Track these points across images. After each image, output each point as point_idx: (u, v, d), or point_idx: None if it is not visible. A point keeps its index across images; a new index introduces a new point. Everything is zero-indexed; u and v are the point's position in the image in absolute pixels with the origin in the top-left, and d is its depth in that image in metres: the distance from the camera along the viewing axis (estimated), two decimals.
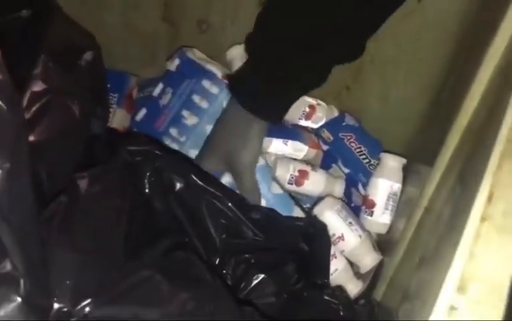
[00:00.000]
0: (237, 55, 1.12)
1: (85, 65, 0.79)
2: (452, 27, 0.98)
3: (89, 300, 0.57)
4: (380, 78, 1.16)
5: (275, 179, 1.07)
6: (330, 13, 0.88)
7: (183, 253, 0.70)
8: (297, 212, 1.03)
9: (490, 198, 0.46)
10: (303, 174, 1.09)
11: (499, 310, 0.41)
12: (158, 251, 0.69)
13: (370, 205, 1.09)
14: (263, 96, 0.96)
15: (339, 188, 1.12)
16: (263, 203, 0.99)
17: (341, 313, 0.92)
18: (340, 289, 1.00)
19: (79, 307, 0.56)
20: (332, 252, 1.02)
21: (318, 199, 1.09)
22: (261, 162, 1.03)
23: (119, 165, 0.72)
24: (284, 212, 0.98)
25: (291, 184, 1.09)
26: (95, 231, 0.62)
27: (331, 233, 1.02)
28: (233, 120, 1.00)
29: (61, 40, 0.75)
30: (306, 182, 1.09)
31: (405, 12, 1.02)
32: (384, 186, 1.08)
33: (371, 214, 1.09)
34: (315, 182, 1.10)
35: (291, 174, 1.08)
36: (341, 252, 1.05)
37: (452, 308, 0.40)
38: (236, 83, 1.01)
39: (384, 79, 1.15)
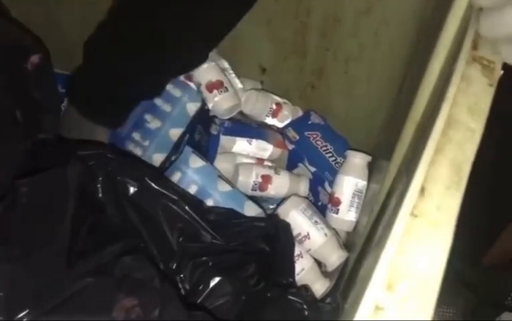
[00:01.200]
0: None
1: (30, 68, 0.78)
2: (411, 24, 0.98)
3: (26, 311, 0.55)
4: (344, 75, 1.15)
5: (238, 185, 1.06)
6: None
7: (131, 258, 0.68)
8: (250, 206, 1.01)
9: (422, 193, 0.46)
10: (266, 179, 1.08)
11: (429, 309, 0.40)
12: (106, 256, 0.67)
13: (336, 203, 1.08)
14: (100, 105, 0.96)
15: (303, 187, 1.11)
16: (211, 204, 0.98)
17: (306, 313, 0.91)
18: (305, 288, 0.99)
19: (16, 318, 0.55)
20: (298, 251, 1.01)
21: (283, 199, 1.08)
22: (203, 162, 1.02)
23: (66, 170, 0.70)
24: (236, 208, 0.97)
25: (255, 190, 1.08)
26: (34, 239, 0.61)
27: (296, 232, 1.01)
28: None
29: (3, 42, 0.73)
30: (270, 186, 1.09)
31: (364, 8, 1.02)
32: (350, 184, 1.08)
33: (337, 212, 1.08)
34: (279, 186, 1.10)
35: (254, 181, 1.08)
36: (308, 251, 1.04)
37: (378, 308, 0.39)
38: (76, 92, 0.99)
39: (348, 76, 1.15)
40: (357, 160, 1.08)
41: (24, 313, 0.55)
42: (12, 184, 0.64)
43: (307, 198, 1.12)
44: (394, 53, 1.05)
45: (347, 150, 1.11)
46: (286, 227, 0.98)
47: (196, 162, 1.01)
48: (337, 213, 1.08)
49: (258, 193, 1.09)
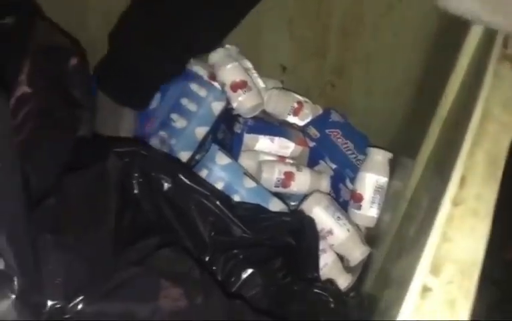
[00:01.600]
0: (219, 58, 1.14)
1: (70, 69, 0.81)
2: (431, 24, 1.00)
3: (81, 297, 0.58)
4: (364, 73, 1.18)
5: (262, 182, 1.09)
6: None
7: (171, 250, 0.71)
8: (275, 202, 1.05)
9: (462, 184, 0.48)
10: (288, 176, 1.11)
11: (471, 290, 0.43)
12: (147, 249, 0.70)
13: (358, 199, 1.10)
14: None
15: (325, 184, 1.14)
16: (238, 200, 1.01)
17: (332, 306, 0.94)
18: (330, 282, 1.02)
19: (72, 304, 0.58)
20: (322, 247, 1.04)
21: (306, 195, 1.11)
22: (229, 160, 1.05)
23: (106, 166, 0.74)
24: (261, 204, 1.00)
25: (278, 187, 1.11)
26: (83, 230, 0.64)
27: (319, 227, 1.04)
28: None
29: (46, 46, 0.77)
30: (292, 183, 1.12)
31: (385, 9, 1.05)
32: (371, 181, 1.10)
33: (359, 208, 1.10)
34: (301, 183, 1.12)
35: (277, 178, 1.10)
36: (331, 246, 1.07)
37: (426, 289, 0.42)
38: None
39: (368, 74, 1.17)
40: (379, 157, 1.11)
41: (80, 298, 0.58)
42: (59, 179, 0.67)
43: (329, 194, 1.14)
44: (414, 53, 1.07)
45: (369, 148, 1.13)
46: (311, 222, 1.01)
47: (222, 159, 1.04)
48: (359, 209, 1.10)
49: (280, 189, 1.11)
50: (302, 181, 1.13)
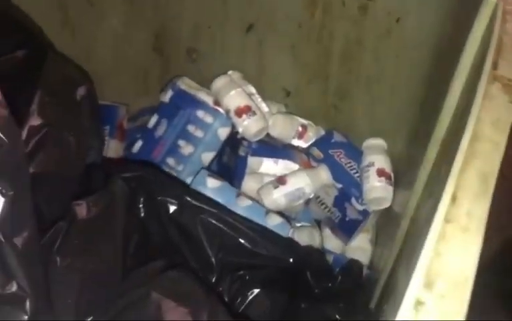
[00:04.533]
0: (223, 85, 1.17)
1: (79, 99, 0.84)
2: (430, 44, 1.02)
3: (91, 318, 0.61)
4: (366, 96, 1.20)
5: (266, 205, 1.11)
6: None
7: (177, 272, 0.73)
8: (271, 217, 1.06)
9: (454, 201, 0.50)
10: (281, 178, 1.14)
11: (464, 304, 0.44)
12: (153, 271, 0.72)
13: (388, 176, 1.13)
14: None
15: (325, 174, 1.16)
16: None
17: None
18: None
19: None
20: None
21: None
22: (219, 182, 1.07)
23: (114, 192, 0.76)
24: (258, 220, 1.01)
25: (277, 187, 1.12)
26: (92, 253, 0.66)
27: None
28: None
29: (56, 77, 0.80)
30: (287, 178, 1.14)
31: (383, 31, 1.07)
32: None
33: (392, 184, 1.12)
34: (298, 176, 1.15)
35: (273, 185, 1.13)
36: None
37: (419, 303, 0.44)
38: None
39: (370, 97, 1.19)
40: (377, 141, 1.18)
41: (89, 319, 0.60)
42: (69, 206, 0.69)
43: (333, 185, 1.16)
44: (415, 74, 1.09)
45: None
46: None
47: (213, 182, 1.07)
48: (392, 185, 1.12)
49: (281, 190, 1.12)
50: (298, 174, 1.15)
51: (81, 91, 0.86)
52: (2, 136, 0.50)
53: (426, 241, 0.47)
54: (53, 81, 0.78)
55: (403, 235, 0.91)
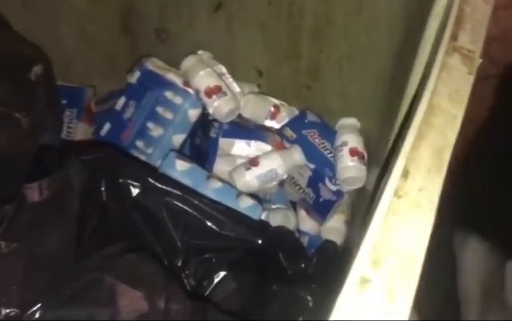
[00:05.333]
0: (192, 65, 1.14)
1: (34, 78, 0.81)
2: (400, 21, 1.01)
3: (39, 304, 0.59)
4: (338, 75, 1.18)
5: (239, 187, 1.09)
6: None
7: (136, 255, 0.71)
8: (242, 199, 1.04)
9: (406, 176, 0.49)
10: (253, 159, 1.13)
11: (413, 282, 0.43)
12: (111, 255, 0.70)
13: (361, 156, 1.12)
14: None
15: (298, 155, 1.14)
16: None
17: (310, 305, 0.93)
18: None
19: (30, 312, 0.58)
20: None
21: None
22: (188, 164, 1.04)
23: (69, 175, 0.74)
24: (229, 202, 0.99)
25: (249, 169, 1.11)
26: (43, 237, 0.64)
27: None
28: None
29: (8, 54, 0.77)
30: (260, 160, 1.12)
31: (355, 8, 1.05)
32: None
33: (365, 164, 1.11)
34: (270, 156, 1.13)
35: (242, 163, 1.12)
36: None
37: (364, 280, 0.42)
38: None
39: (342, 76, 1.18)
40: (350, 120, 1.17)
41: (37, 306, 0.58)
42: (21, 188, 0.67)
43: (306, 166, 1.15)
44: (385, 51, 1.07)
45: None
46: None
47: (182, 165, 1.04)
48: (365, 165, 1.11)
49: (254, 171, 1.11)
50: (269, 154, 1.14)
51: (36, 70, 0.83)
52: None
53: (374, 216, 0.45)
54: (4, 59, 0.75)
55: (363, 215, 0.90)
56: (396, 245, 0.45)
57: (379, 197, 0.49)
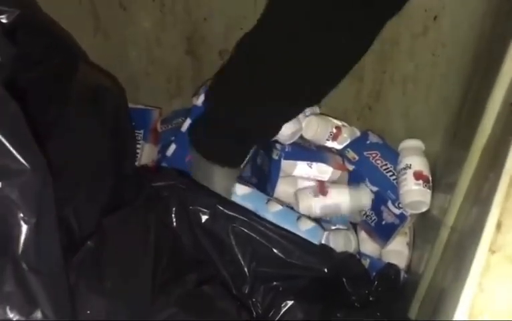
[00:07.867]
0: None
1: (110, 108, 0.83)
2: (468, 43, 0.99)
3: None
4: (401, 96, 1.16)
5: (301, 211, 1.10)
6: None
7: (210, 288, 0.72)
8: (303, 221, 1.04)
9: (499, 228, 0.47)
10: (323, 187, 1.13)
11: None
12: (185, 287, 0.71)
13: (426, 179, 1.10)
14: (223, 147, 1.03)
15: (366, 199, 1.13)
16: None
17: None
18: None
19: None
20: None
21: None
22: (248, 189, 1.05)
23: (145, 203, 0.75)
24: (289, 226, 0.99)
25: (317, 196, 1.11)
26: (122, 272, 0.65)
27: None
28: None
29: (86, 86, 0.78)
30: (330, 190, 1.12)
31: (420, 29, 1.03)
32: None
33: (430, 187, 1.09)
34: (340, 190, 1.13)
35: (312, 187, 1.12)
36: None
37: None
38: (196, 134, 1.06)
39: (405, 97, 1.16)
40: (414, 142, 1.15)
41: None
42: (100, 221, 0.68)
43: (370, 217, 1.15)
44: (452, 73, 1.05)
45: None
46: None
47: (242, 189, 1.05)
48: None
49: (320, 200, 1.11)
50: (340, 191, 1.13)
51: (111, 100, 0.84)
52: (24, 161, 0.49)
53: (469, 274, 0.44)
54: (83, 91, 0.77)
55: (443, 243, 0.88)
56: (493, 304, 0.43)
57: (470, 250, 0.48)
